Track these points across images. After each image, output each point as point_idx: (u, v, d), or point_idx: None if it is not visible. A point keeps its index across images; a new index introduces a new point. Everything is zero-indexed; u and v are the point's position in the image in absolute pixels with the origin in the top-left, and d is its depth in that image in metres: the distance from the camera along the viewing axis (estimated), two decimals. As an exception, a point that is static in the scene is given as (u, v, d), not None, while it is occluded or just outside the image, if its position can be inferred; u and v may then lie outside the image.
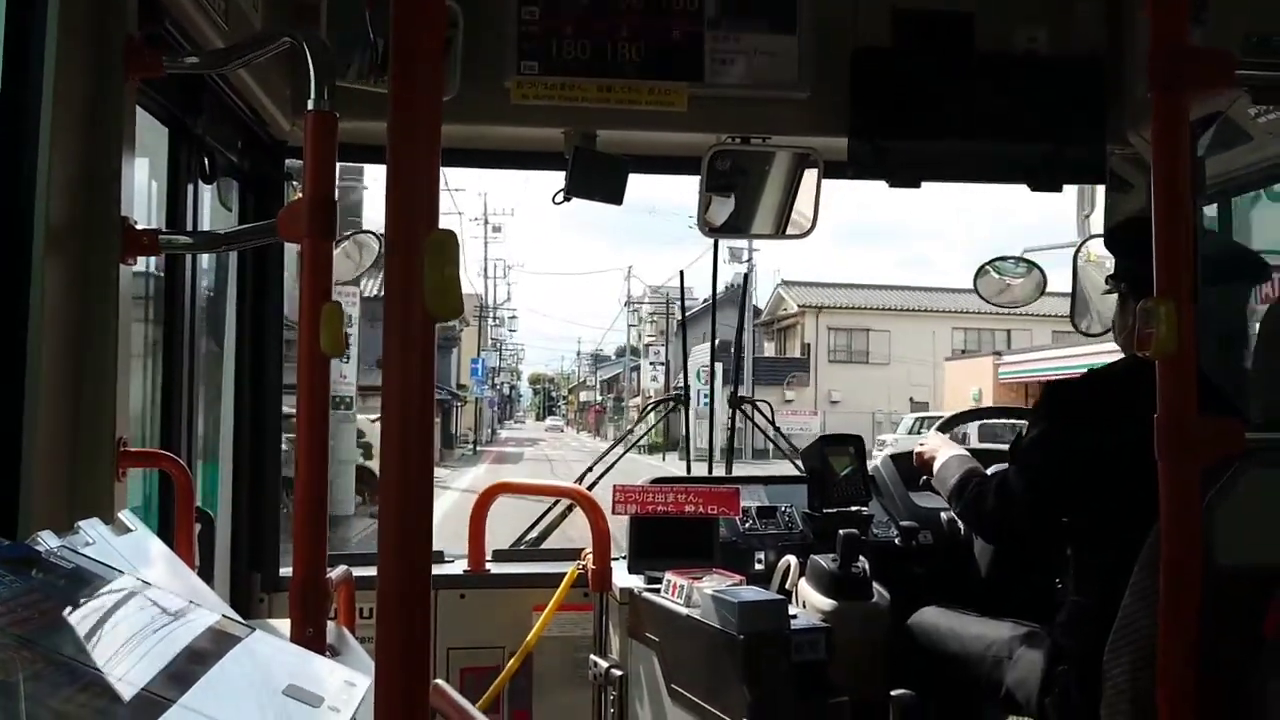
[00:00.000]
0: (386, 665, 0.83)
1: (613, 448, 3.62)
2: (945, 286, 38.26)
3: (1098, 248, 2.99)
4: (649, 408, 6.02)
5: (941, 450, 2.79)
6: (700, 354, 20.03)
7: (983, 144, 2.84)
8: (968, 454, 2.77)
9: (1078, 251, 3.13)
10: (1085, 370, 2.46)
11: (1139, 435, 1.36)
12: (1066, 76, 2.79)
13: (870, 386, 34.23)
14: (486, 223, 50.10)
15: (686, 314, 5.27)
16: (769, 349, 40.19)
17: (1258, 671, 1.47)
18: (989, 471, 2.62)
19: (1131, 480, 1.76)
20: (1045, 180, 3.05)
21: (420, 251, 0.81)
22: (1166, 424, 1.26)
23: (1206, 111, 2.34)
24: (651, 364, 41.52)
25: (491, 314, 52.19)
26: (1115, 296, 2.49)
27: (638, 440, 4.06)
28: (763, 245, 33.43)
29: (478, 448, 38.57)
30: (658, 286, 47.21)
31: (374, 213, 14.67)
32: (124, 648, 0.86)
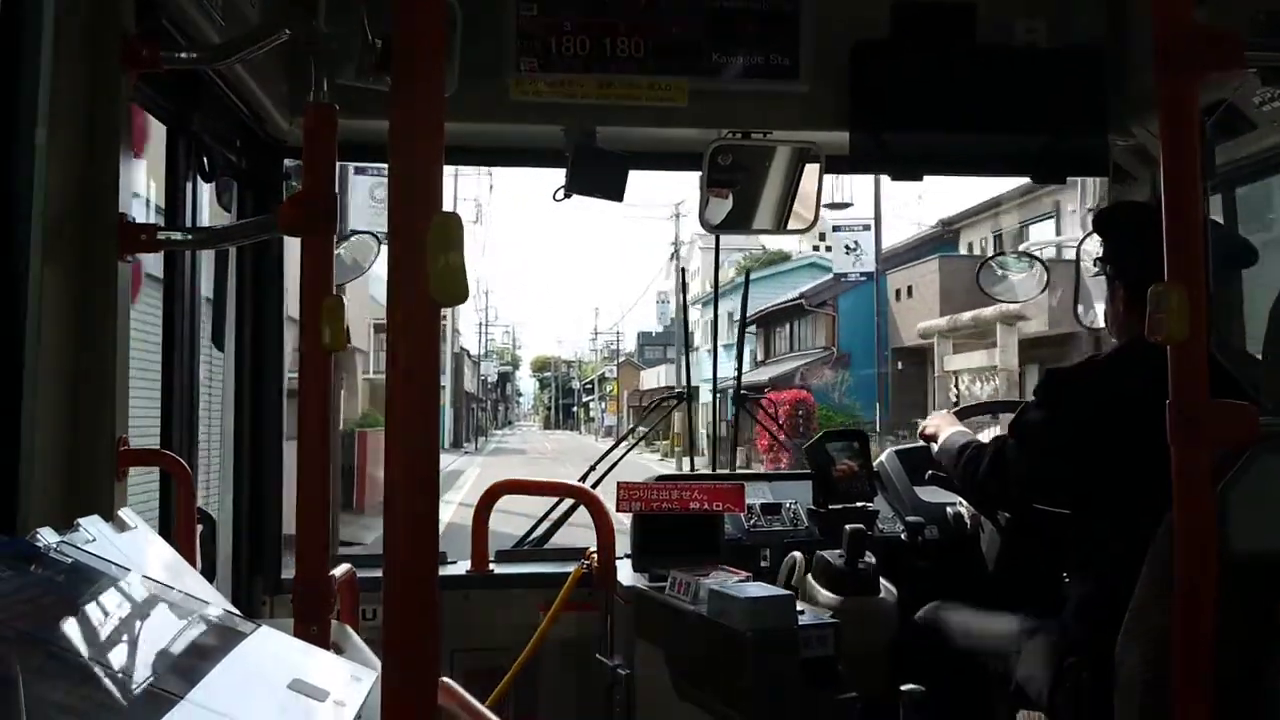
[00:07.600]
0: (393, 661, 0.82)
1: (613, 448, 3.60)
2: None
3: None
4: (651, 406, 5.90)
5: (944, 427, 2.83)
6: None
7: (984, 137, 2.83)
8: (968, 430, 2.81)
9: (1081, 245, 3.12)
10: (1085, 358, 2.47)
11: (1143, 421, 1.34)
12: (1068, 68, 2.77)
13: None
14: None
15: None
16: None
17: (1273, 660, 1.46)
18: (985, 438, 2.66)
19: (1137, 466, 1.76)
20: (1048, 172, 3.04)
21: (423, 246, 0.80)
22: (1178, 410, 1.24)
23: (1213, 98, 2.32)
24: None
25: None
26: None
27: (641, 439, 4.01)
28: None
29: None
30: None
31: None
32: (126, 643, 0.85)
